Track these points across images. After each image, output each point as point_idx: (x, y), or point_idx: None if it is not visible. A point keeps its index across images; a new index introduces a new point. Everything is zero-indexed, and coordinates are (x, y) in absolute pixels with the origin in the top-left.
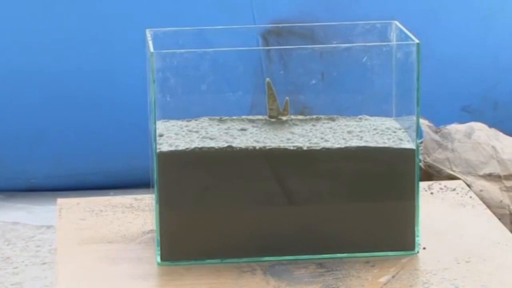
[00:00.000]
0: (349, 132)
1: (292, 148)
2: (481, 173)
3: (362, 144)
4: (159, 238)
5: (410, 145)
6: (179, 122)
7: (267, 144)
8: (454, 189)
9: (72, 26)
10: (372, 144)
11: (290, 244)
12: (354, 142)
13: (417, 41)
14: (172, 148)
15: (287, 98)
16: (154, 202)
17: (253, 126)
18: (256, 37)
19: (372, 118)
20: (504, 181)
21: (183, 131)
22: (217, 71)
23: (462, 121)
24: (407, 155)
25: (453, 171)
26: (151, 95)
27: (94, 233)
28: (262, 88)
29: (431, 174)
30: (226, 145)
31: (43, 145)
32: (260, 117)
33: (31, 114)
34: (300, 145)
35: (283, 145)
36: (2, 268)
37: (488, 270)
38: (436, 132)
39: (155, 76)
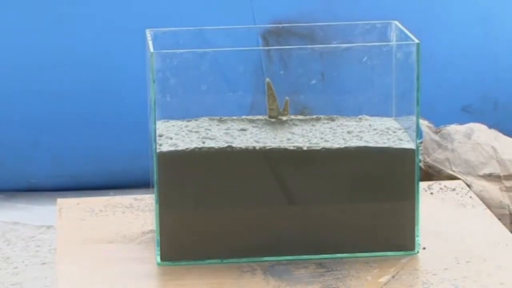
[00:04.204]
0: (349, 132)
1: (292, 148)
2: (481, 173)
3: (362, 144)
4: (159, 238)
5: (410, 145)
6: (179, 122)
7: (267, 144)
8: (454, 189)
9: (71, 25)
10: (372, 144)
11: (290, 244)
12: (354, 142)
13: (417, 41)
14: (172, 148)
15: (287, 98)
16: (154, 202)
17: (253, 126)
18: (256, 37)
19: (372, 118)
20: (504, 181)
21: (183, 131)
22: (217, 71)
23: (462, 121)
24: (407, 155)
25: (453, 171)
26: (151, 95)
27: (94, 233)
28: (262, 88)
29: (431, 174)
30: (226, 145)
31: (43, 145)
32: (260, 117)
33: (31, 114)
34: (300, 145)
35: (283, 145)
36: (2, 268)
37: (488, 270)
38: (436, 133)
39: (155, 76)
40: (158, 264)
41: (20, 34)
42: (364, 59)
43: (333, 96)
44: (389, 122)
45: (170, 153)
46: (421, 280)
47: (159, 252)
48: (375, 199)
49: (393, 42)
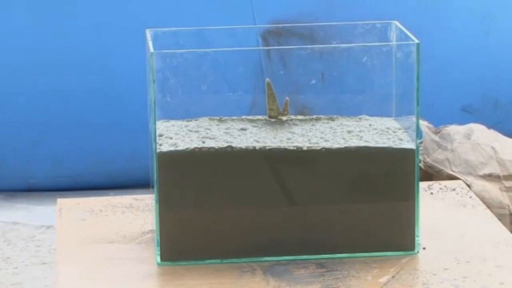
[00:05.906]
0: (349, 132)
1: (292, 148)
2: (481, 173)
3: (362, 144)
4: (159, 238)
5: (410, 145)
6: (179, 122)
7: (267, 144)
8: (454, 189)
9: (72, 25)
10: (372, 144)
11: (290, 244)
12: (354, 142)
13: (417, 41)
14: (172, 148)
15: (287, 98)
16: (154, 202)
17: (253, 126)
18: (256, 37)
19: (372, 118)
20: (504, 182)
21: (183, 131)
22: (217, 71)
23: (462, 121)
24: (407, 155)
25: (453, 171)
26: (151, 95)
27: (94, 233)
28: (262, 88)
29: (431, 174)
30: (226, 145)
31: (43, 145)
32: (260, 117)
33: (31, 114)
34: (300, 145)
35: (283, 145)
36: (2, 268)
37: (488, 270)
38: (436, 133)
39: (155, 76)
40: (158, 264)
41: (20, 34)
42: (364, 59)
43: (333, 96)
44: (389, 122)
45: (170, 153)
46: (421, 280)
47: (159, 252)
48: (375, 199)
49: (393, 42)
